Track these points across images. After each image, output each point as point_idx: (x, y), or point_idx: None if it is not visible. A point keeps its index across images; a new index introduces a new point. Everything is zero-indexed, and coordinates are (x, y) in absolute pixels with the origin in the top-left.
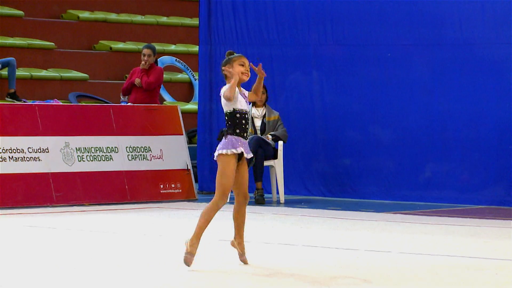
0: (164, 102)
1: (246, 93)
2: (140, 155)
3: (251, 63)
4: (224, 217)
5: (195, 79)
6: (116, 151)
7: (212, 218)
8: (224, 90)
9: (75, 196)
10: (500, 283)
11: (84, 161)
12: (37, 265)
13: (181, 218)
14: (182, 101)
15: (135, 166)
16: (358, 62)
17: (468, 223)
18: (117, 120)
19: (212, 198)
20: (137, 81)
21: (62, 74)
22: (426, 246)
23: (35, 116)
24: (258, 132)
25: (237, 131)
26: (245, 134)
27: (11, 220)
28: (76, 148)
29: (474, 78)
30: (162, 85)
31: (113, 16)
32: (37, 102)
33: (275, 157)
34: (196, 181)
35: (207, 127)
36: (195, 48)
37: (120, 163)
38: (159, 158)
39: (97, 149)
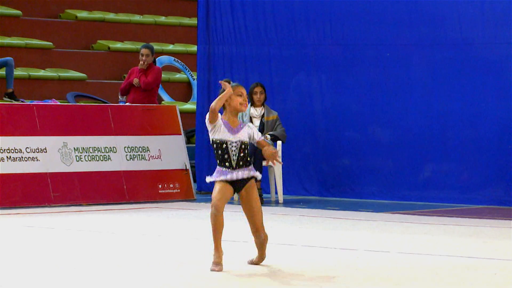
0: (163, 102)
1: (245, 127)
2: (139, 155)
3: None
4: (226, 218)
5: (194, 79)
6: (114, 151)
7: (218, 225)
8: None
9: (73, 196)
10: (500, 283)
11: (82, 161)
12: (36, 265)
13: (179, 218)
14: (180, 101)
15: (133, 166)
16: (357, 62)
17: (467, 223)
18: (115, 120)
19: (209, 198)
20: (135, 81)
21: (60, 74)
22: (426, 246)
23: (33, 116)
24: None
25: (221, 163)
26: (230, 164)
27: (9, 220)
28: (74, 148)
29: (473, 78)
30: (160, 85)
31: (111, 16)
32: (35, 102)
33: None
34: (194, 181)
35: (206, 127)
36: (194, 48)
37: (118, 163)
38: (157, 158)
39: (95, 149)
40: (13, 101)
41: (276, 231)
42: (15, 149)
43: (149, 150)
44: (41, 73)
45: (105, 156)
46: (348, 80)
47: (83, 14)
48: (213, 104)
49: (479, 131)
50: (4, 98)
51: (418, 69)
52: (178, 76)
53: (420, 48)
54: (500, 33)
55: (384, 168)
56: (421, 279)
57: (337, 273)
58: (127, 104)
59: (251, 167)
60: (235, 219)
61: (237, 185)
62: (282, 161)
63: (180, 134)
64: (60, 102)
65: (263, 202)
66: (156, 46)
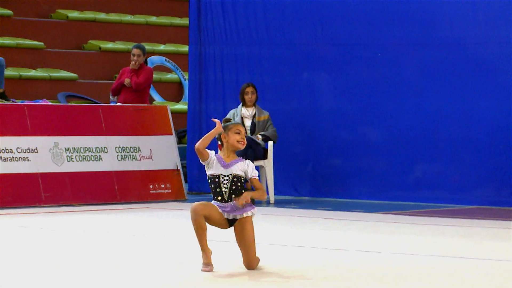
0: (154, 102)
1: (239, 162)
2: (130, 155)
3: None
4: None
5: (185, 79)
6: (106, 151)
7: (199, 228)
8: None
9: (64, 196)
10: (492, 284)
11: (73, 161)
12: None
13: (170, 218)
14: (171, 101)
15: (124, 166)
16: (348, 62)
17: (459, 224)
18: (106, 120)
19: (201, 199)
20: (126, 81)
21: (51, 74)
22: (417, 246)
23: (24, 116)
24: (248, 132)
25: (215, 196)
26: (222, 197)
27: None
28: (65, 148)
29: (466, 78)
30: (151, 85)
31: (102, 16)
32: (26, 102)
33: (265, 157)
34: (185, 182)
35: (197, 127)
36: (185, 48)
37: (109, 163)
38: (148, 158)
39: (86, 149)
40: (4, 101)
41: (267, 232)
42: (5, 149)
43: (140, 150)
44: (32, 73)
45: (96, 156)
46: (340, 80)
47: (74, 14)
48: (196, 144)
49: (471, 131)
50: None
51: (409, 69)
52: (169, 76)
53: (412, 48)
54: (493, 33)
55: (375, 168)
56: (412, 279)
57: (328, 273)
58: (118, 104)
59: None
60: None
61: (231, 220)
62: (273, 161)
63: (171, 134)
64: (51, 102)
65: (254, 203)
66: (148, 46)
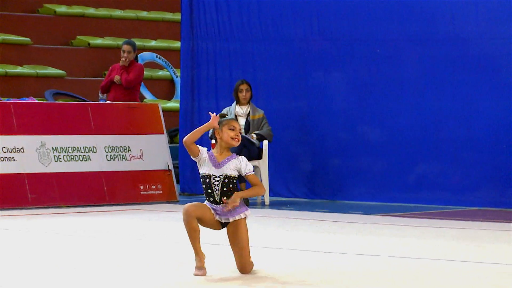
0: (145, 100)
1: (232, 160)
2: (119, 155)
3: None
4: None
5: (177, 76)
6: (94, 151)
7: (192, 231)
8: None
9: (51, 197)
10: (493, 287)
11: (60, 161)
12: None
13: (162, 221)
14: (163, 99)
15: (114, 166)
16: (346, 58)
17: (460, 226)
18: (95, 119)
19: (193, 200)
20: (116, 78)
21: (38, 71)
22: (417, 249)
23: (9, 114)
24: (242, 131)
25: (207, 197)
26: (214, 199)
27: None
28: (52, 147)
29: (467, 75)
30: (142, 83)
31: (91, 11)
32: (12, 100)
33: (259, 157)
34: (177, 182)
35: (189, 126)
36: (177, 44)
37: (98, 163)
38: (139, 158)
39: (74, 149)
40: None
41: (262, 234)
42: None
43: (130, 150)
44: (19, 70)
45: (84, 156)
46: (337, 77)
47: (62, 9)
48: (185, 137)
49: (472, 130)
50: None
51: (409, 66)
52: (160, 73)
53: (411, 44)
54: (494, 29)
55: (374, 169)
56: (411, 283)
57: (325, 277)
58: (107, 102)
59: (242, 203)
60: None
61: (224, 222)
62: (268, 162)
63: (163, 134)
64: (38, 100)
65: (249, 204)
66: (138, 42)
